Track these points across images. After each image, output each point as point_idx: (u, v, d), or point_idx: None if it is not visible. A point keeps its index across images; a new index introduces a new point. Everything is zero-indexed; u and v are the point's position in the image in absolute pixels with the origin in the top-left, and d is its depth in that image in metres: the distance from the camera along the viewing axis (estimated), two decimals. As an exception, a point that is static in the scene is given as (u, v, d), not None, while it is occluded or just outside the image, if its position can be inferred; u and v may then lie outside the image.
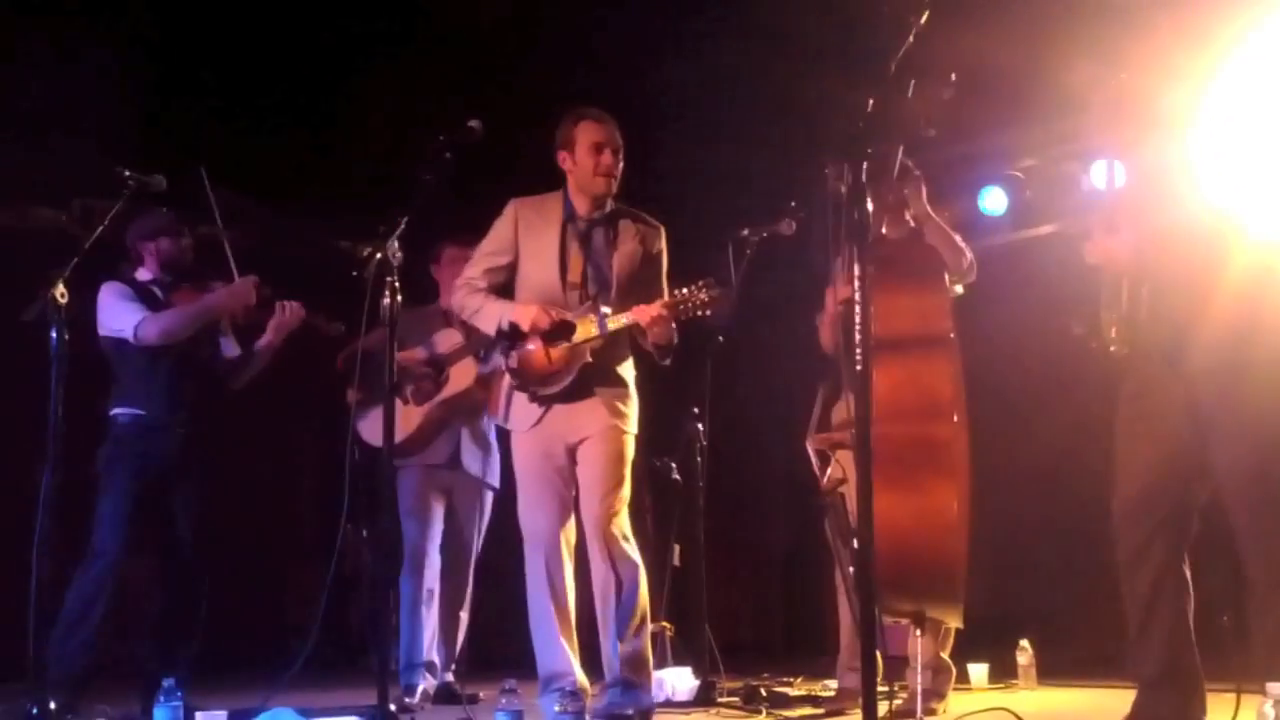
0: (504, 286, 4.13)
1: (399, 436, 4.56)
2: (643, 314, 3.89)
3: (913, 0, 2.59)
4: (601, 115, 4.06)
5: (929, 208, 4.21)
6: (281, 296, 4.62)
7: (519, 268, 4.11)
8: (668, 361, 4.05)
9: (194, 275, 4.59)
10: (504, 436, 4.43)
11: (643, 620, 3.97)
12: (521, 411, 4.05)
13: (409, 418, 4.87)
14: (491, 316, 4.06)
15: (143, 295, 4.50)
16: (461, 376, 4.92)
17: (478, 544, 4.98)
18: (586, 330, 3.94)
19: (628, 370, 4.09)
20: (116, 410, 4.44)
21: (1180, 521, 3.25)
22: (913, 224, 4.18)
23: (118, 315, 4.40)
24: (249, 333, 4.70)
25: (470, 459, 4.95)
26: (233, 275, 4.57)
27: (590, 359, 3.95)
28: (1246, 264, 3.14)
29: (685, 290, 3.89)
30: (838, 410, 3.87)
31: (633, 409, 4.05)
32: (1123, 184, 3.46)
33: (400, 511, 4.87)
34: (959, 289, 4.11)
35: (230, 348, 4.70)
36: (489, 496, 5.01)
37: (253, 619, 6.76)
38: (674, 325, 3.94)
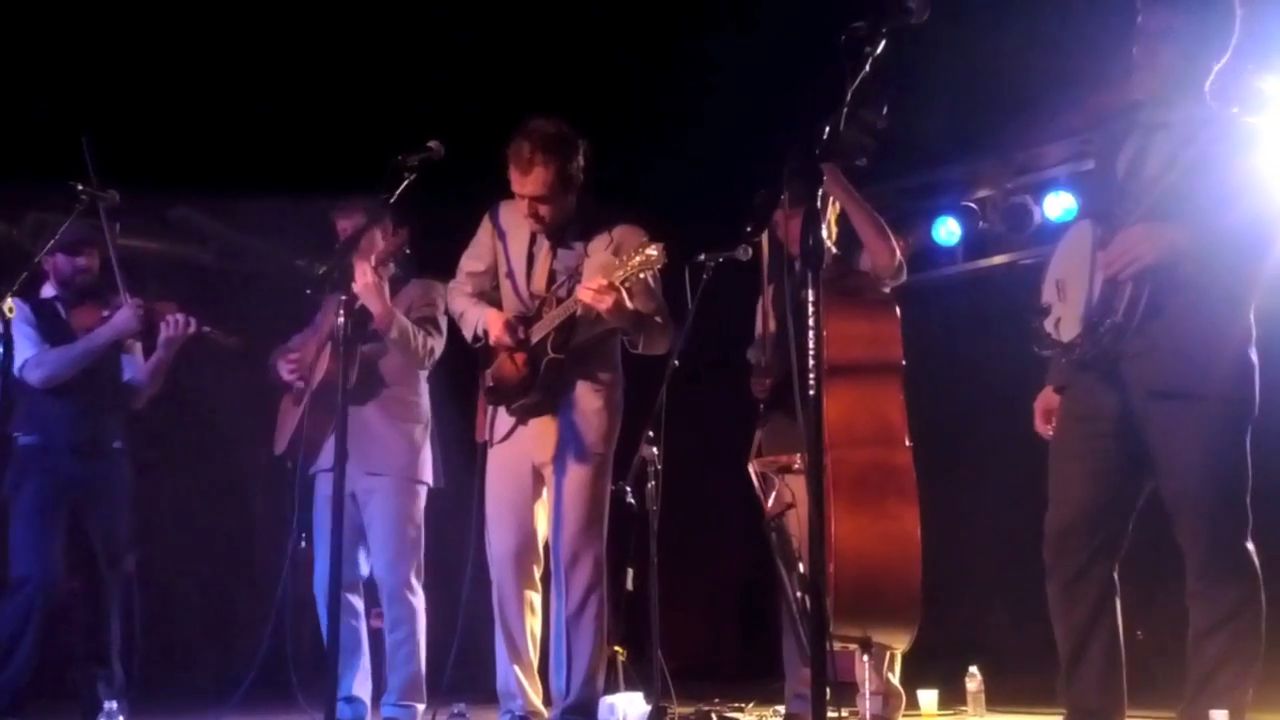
0: (494, 290, 4.03)
1: (284, 441, 4.38)
2: (584, 293, 3.63)
3: (868, 31, 2.60)
4: (521, 155, 3.73)
5: (852, 190, 3.82)
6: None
7: (499, 273, 4.01)
8: (639, 347, 3.88)
9: (94, 294, 4.52)
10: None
11: (590, 676, 3.89)
12: (496, 425, 3.98)
13: (294, 418, 4.32)
14: (470, 324, 3.99)
15: (44, 315, 4.45)
16: (323, 360, 4.24)
17: (400, 550, 4.27)
18: (541, 329, 3.82)
19: (609, 377, 3.94)
20: (17, 433, 4.41)
21: (1116, 545, 3.18)
22: (834, 229, 3.91)
23: (14, 347, 4.25)
24: (146, 352, 4.62)
25: (356, 453, 4.01)
26: (120, 290, 4.47)
27: (552, 353, 3.79)
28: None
29: (622, 257, 3.63)
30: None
31: (611, 423, 3.92)
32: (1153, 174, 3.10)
33: (314, 527, 4.34)
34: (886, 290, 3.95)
35: (133, 367, 4.64)
36: (406, 490, 4.32)
37: (199, 641, 6.65)
38: (627, 301, 3.65)
